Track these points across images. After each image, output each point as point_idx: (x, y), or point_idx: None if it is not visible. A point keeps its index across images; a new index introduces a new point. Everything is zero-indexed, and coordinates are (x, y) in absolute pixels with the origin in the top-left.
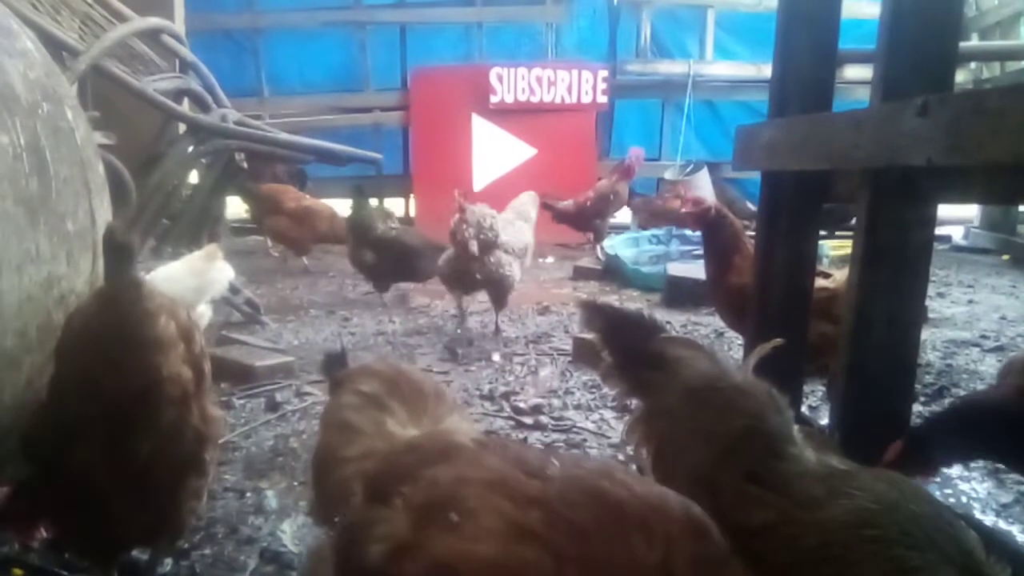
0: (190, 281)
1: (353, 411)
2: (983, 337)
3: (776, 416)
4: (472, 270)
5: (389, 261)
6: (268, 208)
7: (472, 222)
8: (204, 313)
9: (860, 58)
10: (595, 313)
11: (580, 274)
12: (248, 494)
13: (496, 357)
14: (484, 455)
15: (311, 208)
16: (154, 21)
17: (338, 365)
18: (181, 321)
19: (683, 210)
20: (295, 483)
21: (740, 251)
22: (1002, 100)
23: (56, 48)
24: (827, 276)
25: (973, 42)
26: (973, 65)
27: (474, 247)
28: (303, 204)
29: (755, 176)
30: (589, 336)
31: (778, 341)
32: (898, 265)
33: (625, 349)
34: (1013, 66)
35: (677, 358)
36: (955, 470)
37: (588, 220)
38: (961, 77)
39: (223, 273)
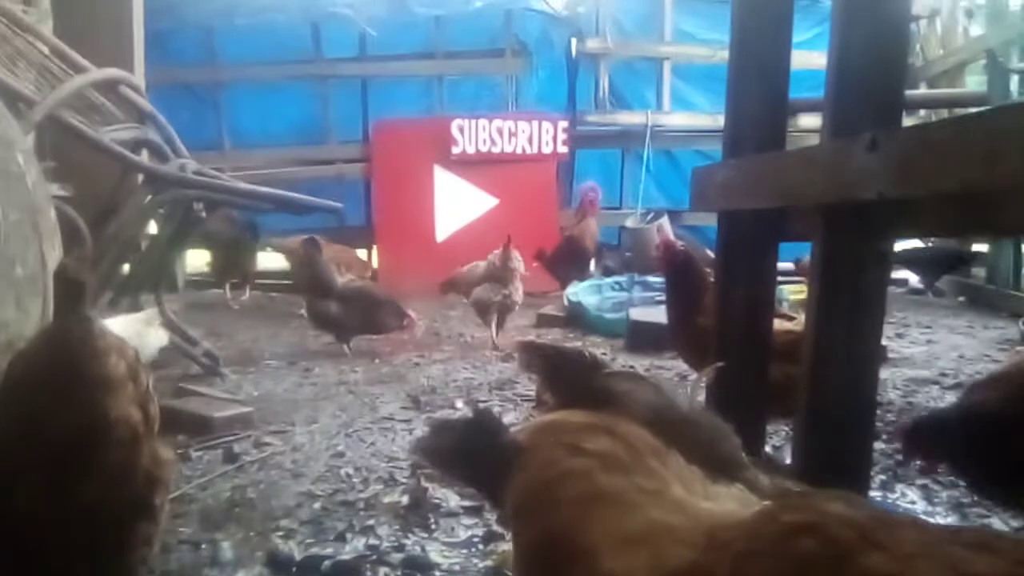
0: None
1: (603, 475)
2: (942, 375)
3: (726, 443)
4: (511, 295)
5: (356, 313)
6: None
7: (514, 258)
8: None
9: (814, 107)
10: (534, 354)
11: (544, 321)
12: (203, 546)
13: (459, 404)
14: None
15: (344, 250)
16: (112, 72)
17: (495, 429)
18: (130, 360)
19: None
20: (251, 534)
21: (709, 291)
22: (947, 132)
23: (11, 98)
24: (791, 319)
25: (921, 90)
26: (923, 113)
27: (519, 276)
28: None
29: (714, 223)
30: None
31: (718, 364)
32: (854, 301)
33: (568, 389)
34: (960, 112)
35: (623, 392)
36: (915, 499)
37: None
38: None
39: (157, 339)
